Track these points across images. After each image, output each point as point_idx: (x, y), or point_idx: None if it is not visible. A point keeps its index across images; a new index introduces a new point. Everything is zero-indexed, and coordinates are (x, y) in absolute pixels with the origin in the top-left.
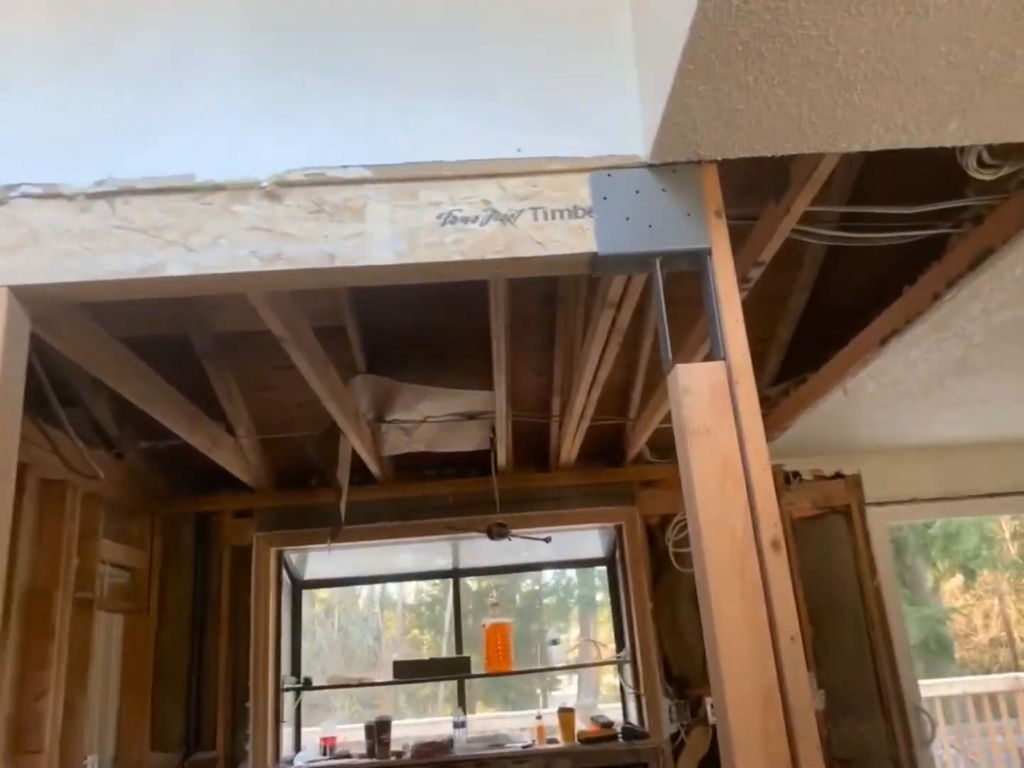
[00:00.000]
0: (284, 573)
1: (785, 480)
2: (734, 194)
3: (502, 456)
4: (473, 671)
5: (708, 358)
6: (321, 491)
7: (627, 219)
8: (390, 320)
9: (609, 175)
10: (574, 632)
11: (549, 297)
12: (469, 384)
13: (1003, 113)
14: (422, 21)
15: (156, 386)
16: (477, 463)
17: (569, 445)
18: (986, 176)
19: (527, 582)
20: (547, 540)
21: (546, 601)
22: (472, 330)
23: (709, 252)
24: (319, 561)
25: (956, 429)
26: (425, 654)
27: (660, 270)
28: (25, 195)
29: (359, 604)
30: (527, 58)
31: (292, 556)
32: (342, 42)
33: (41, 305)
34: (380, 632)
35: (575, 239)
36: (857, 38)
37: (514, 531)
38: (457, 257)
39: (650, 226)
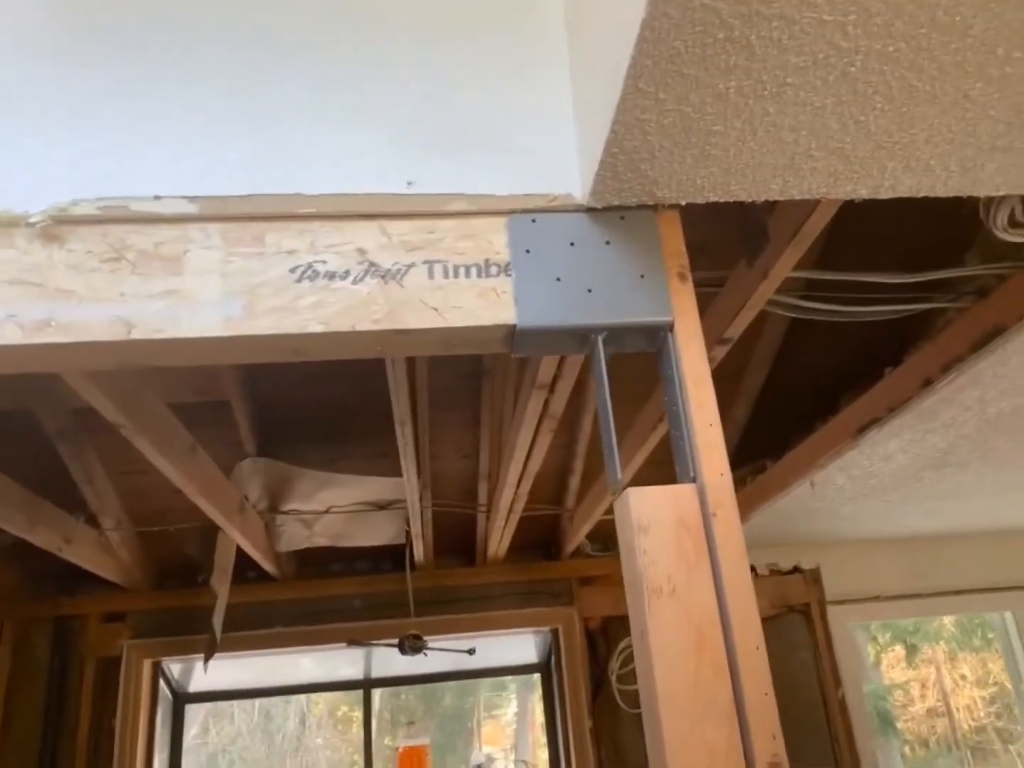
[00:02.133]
0: (163, 686)
1: None
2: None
3: (420, 551)
4: None
5: (668, 479)
6: (207, 591)
7: (558, 280)
8: (285, 394)
9: (534, 221)
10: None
11: (475, 370)
12: (380, 468)
13: None
14: (281, 11)
15: None
16: (394, 556)
17: (497, 538)
18: (1016, 238)
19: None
20: (470, 652)
21: (479, 696)
22: (383, 406)
23: (671, 327)
24: (215, 670)
25: (925, 521)
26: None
27: (603, 350)
28: None
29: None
30: (423, 64)
31: (175, 666)
32: (166, 32)
33: None
34: (305, 714)
35: (486, 306)
36: (888, 28)
37: (433, 641)
38: (316, 327)
39: (590, 290)
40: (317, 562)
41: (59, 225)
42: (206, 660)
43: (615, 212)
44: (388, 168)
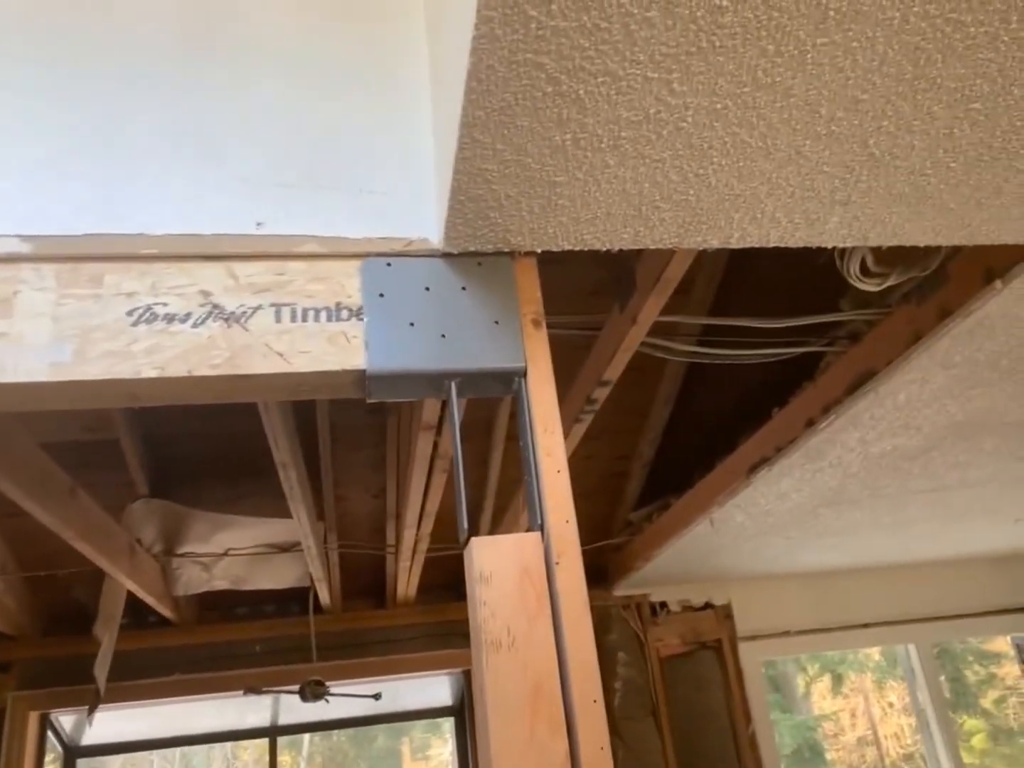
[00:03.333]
0: (53, 740)
1: (651, 612)
2: (580, 297)
3: (325, 594)
4: None
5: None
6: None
7: (411, 325)
8: (179, 430)
9: (388, 264)
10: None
11: (383, 406)
12: (285, 508)
13: (896, 208)
14: (129, 40)
15: None
16: (302, 598)
17: (405, 579)
18: (869, 286)
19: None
20: (376, 697)
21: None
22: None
23: (524, 373)
24: (104, 721)
25: (828, 556)
26: None
27: (456, 396)
28: None
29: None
30: (279, 104)
31: (68, 718)
32: (4, 60)
33: None
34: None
35: (335, 351)
36: (712, 86)
37: (337, 686)
38: (151, 372)
39: (443, 336)
40: (221, 606)
41: None
42: (90, 712)
43: (472, 258)
44: (238, 209)
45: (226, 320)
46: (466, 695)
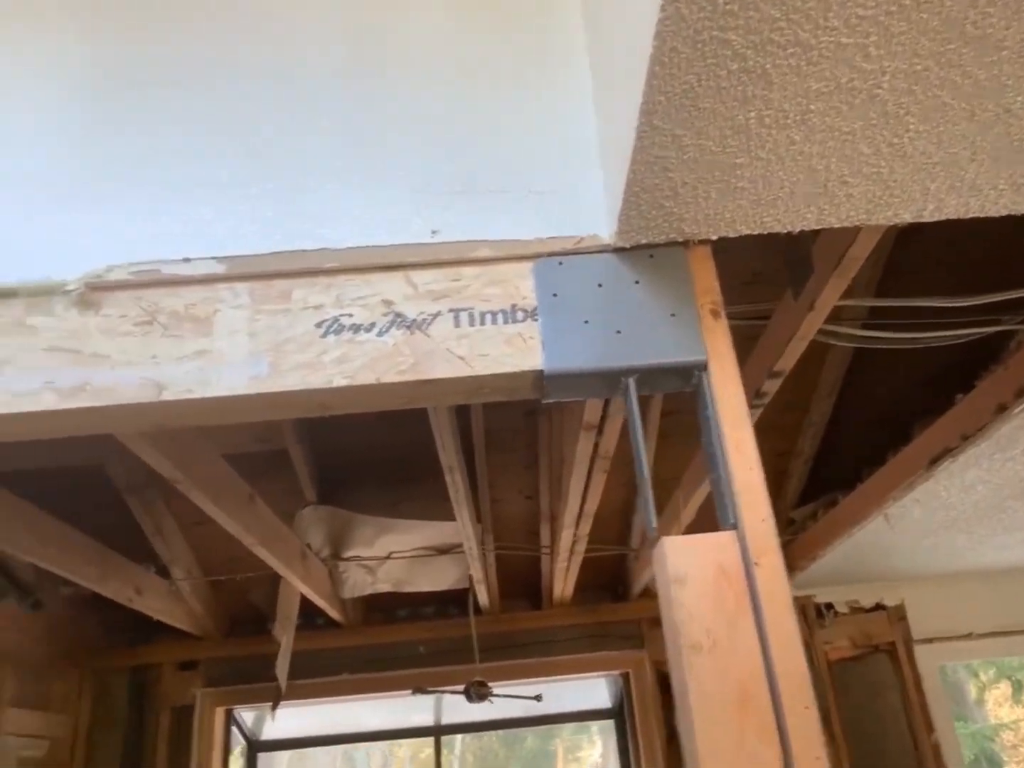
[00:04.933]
0: (237, 733)
1: (817, 614)
2: (735, 287)
3: (484, 596)
4: None
5: (709, 525)
6: (274, 639)
7: (586, 323)
8: (342, 439)
9: (560, 263)
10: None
11: (534, 408)
12: (443, 511)
13: None
14: (299, 66)
15: (55, 535)
16: (460, 601)
17: (562, 580)
18: None
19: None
20: (537, 699)
21: (561, 739)
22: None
23: (705, 366)
24: (281, 717)
25: (1014, 553)
26: None
27: (634, 393)
28: None
29: (359, 721)
30: (444, 112)
31: (249, 714)
32: (186, 98)
33: None
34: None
35: (513, 353)
36: (913, 47)
37: (499, 687)
38: (342, 381)
39: (619, 332)
40: (384, 608)
41: (94, 291)
42: (273, 708)
43: (644, 251)
44: (412, 218)
45: (408, 328)
46: (625, 698)
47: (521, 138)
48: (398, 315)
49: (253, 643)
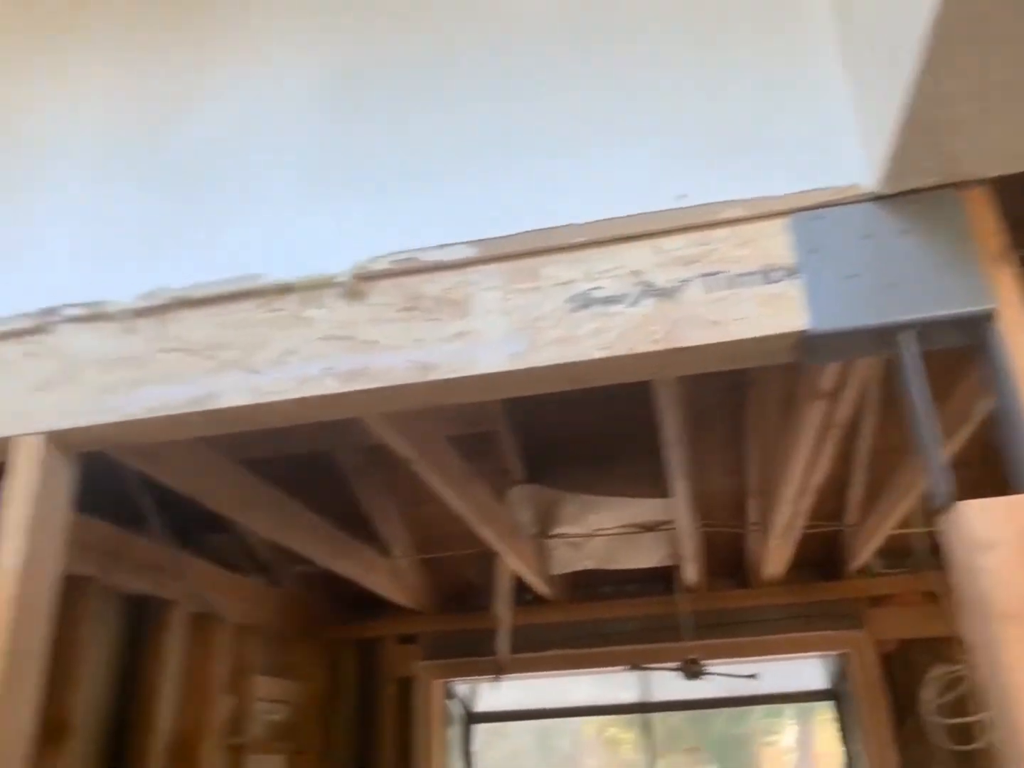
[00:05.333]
0: (454, 706)
1: None
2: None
3: (691, 573)
4: None
5: (998, 487)
6: (486, 614)
7: (852, 278)
8: (547, 420)
9: (818, 217)
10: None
11: (735, 383)
12: (640, 488)
13: None
14: (530, 44)
15: (289, 513)
16: (664, 577)
17: (773, 558)
18: None
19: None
20: (752, 677)
21: (754, 722)
22: (643, 426)
23: (991, 316)
24: (492, 691)
25: None
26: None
27: (914, 348)
28: (67, 319)
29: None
30: (684, 72)
31: (462, 686)
32: (430, 89)
33: (87, 451)
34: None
35: (771, 314)
36: None
37: (711, 665)
38: (598, 354)
39: (890, 285)
40: (588, 585)
41: (361, 282)
42: (496, 680)
43: (911, 196)
44: (656, 184)
45: (658, 296)
46: (846, 680)
47: (763, 93)
48: (647, 284)
49: (466, 618)
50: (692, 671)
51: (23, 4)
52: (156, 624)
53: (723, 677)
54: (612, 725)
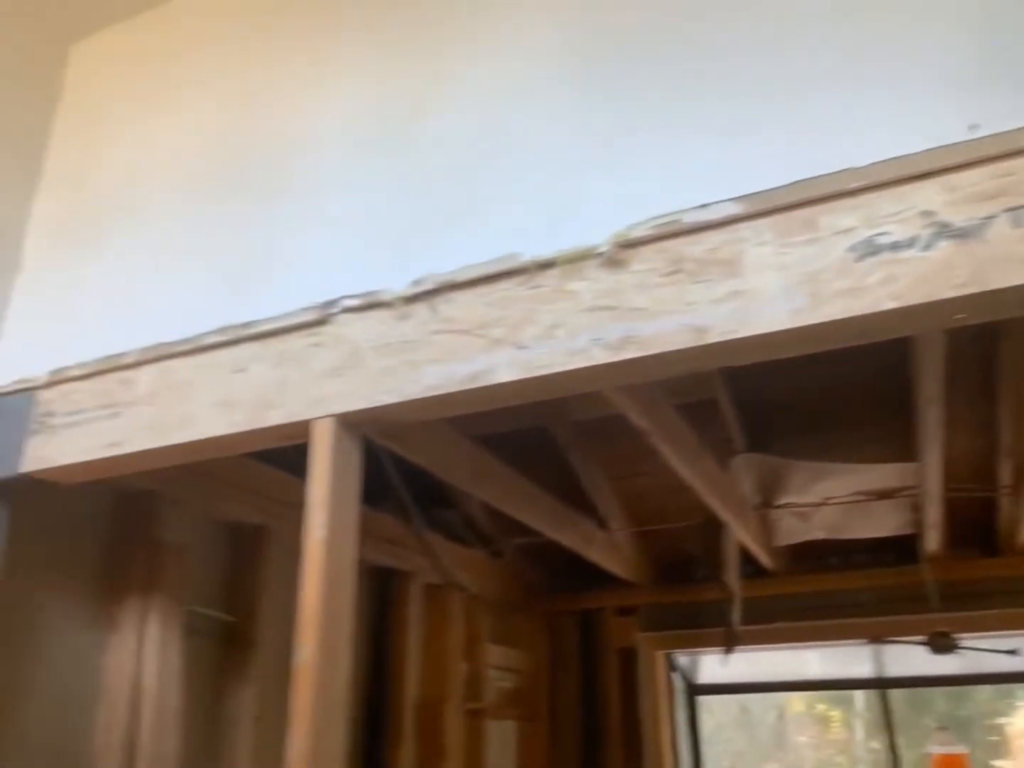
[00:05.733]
0: (675, 678)
1: None
2: None
3: (933, 540)
4: None
5: None
6: (707, 586)
7: None
8: (766, 385)
9: None
10: None
11: (981, 333)
12: (866, 454)
13: None
14: None
15: (518, 487)
16: (895, 547)
17: None
18: None
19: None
20: (1012, 653)
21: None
22: (874, 386)
23: None
24: (713, 663)
25: None
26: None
27: None
28: (346, 309)
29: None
30: None
31: (682, 658)
32: (672, 49)
33: (379, 429)
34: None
35: None
36: None
37: (962, 639)
38: (890, 304)
39: None
40: (813, 555)
41: (621, 250)
42: (727, 652)
43: None
44: (942, 116)
45: (957, 237)
46: None
47: None
48: (942, 225)
49: (682, 591)
50: (943, 645)
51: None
52: (398, 595)
53: (973, 652)
54: (821, 702)
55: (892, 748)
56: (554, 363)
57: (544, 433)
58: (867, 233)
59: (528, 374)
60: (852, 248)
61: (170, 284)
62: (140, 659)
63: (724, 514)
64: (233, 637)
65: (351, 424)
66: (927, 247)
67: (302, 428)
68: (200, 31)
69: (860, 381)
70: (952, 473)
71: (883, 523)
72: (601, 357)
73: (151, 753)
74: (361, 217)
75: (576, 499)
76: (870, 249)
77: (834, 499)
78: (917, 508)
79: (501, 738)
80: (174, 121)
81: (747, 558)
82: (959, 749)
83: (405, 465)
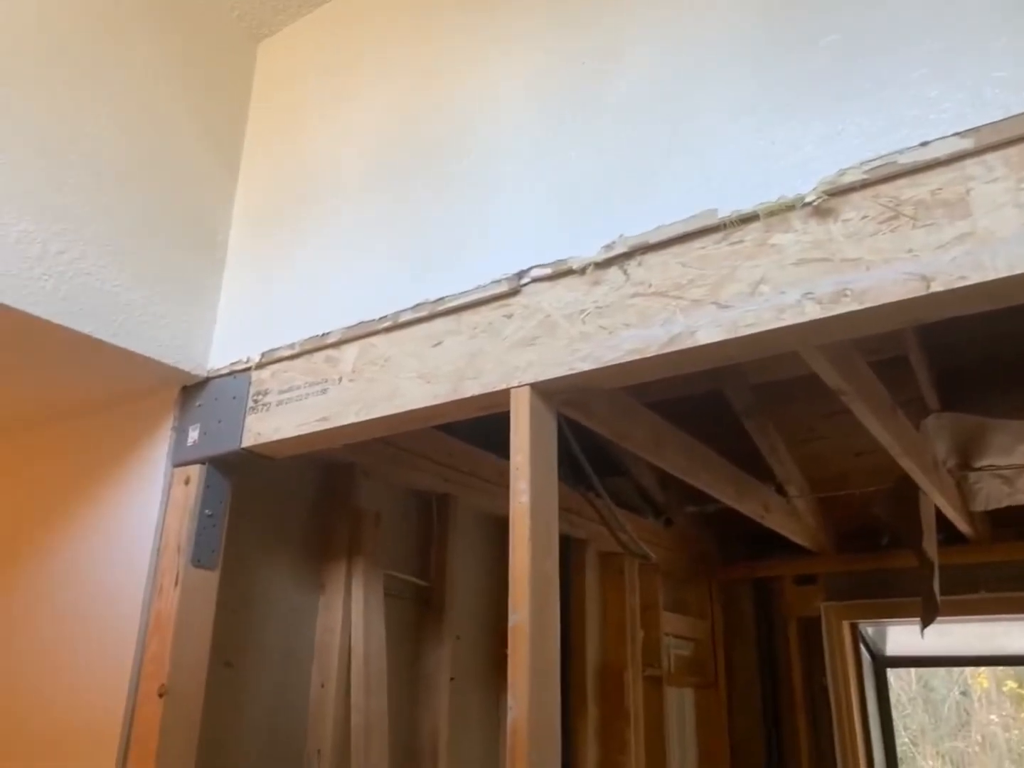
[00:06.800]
0: (862, 649)
1: None
2: None
3: None
4: None
5: None
6: (893, 553)
7: None
8: (959, 340)
9: None
10: None
11: None
12: None
13: None
14: None
15: (696, 454)
16: None
17: None
18: None
19: None
20: None
21: None
22: None
23: None
24: (900, 634)
25: None
26: None
27: None
28: (536, 279)
29: None
30: None
31: (868, 629)
32: None
33: (564, 398)
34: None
35: None
36: None
37: None
38: None
39: None
40: (1016, 522)
41: (830, 198)
42: (925, 624)
43: None
44: None
45: None
46: None
47: None
48: None
49: (866, 559)
50: None
51: None
52: (576, 562)
53: None
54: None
55: None
56: (761, 321)
57: (719, 398)
58: None
59: (732, 334)
60: None
61: (366, 265)
62: (347, 618)
63: (920, 477)
64: (427, 600)
65: (547, 392)
66: None
67: (501, 398)
68: (376, 17)
69: None
70: None
71: None
72: (813, 312)
73: (362, 707)
74: (546, 185)
75: (752, 466)
76: None
77: None
78: None
79: (679, 705)
80: (357, 107)
81: (942, 524)
82: None
83: (579, 434)
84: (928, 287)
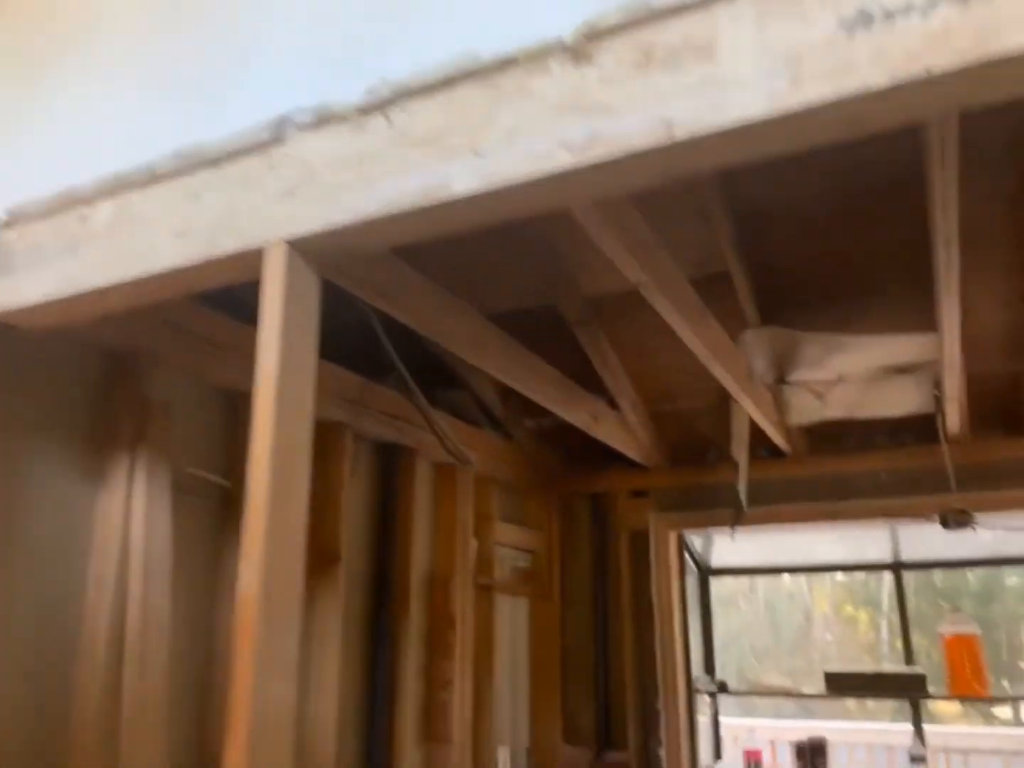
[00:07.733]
0: (688, 559)
1: None
2: None
3: (954, 419)
4: (930, 690)
5: None
6: (721, 467)
7: None
8: (781, 255)
9: None
10: None
11: (1016, 197)
12: (894, 326)
13: None
14: None
15: (518, 357)
16: (914, 428)
17: None
18: None
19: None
20: None
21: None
22: (894, 253)
23: None
24: (726, 546)
25: None
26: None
27: None
28: (299, 127)
29: (783, 578)
30: None
31: (696, 541)
32: None
33: (331, 258)
34: (809, 610)
35: None
36: None
37: (980, 517)
38: (879, 80)
39: None
40: (830, 437)
41: (587, 42)
42: (733, 527)
43: None
44: None
45: (960, 1)
46: None
47: None
48: None
49: (695, 473)
50: (956, 520)
51: None
52: (403, 470)
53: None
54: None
55: (905, 633)
56: (514, 170)
57: (555, 313)
58: (859, 5)
59: (487, 183)
60: (841, 21)
61: (124, 111)
62: (128, 513)
63: (731, 384)
64: (230, 501)
65: (307, 251)
66: (925, 14)
67: (257, 257)
68: None
69: (888, 242)
70: (979, 349)
71: (903, 401)
72: (564, 160)
73: (140, 603)
74: (313, 22)
75: (587, 380)
76: (862, 21)
77: (850, 375)
78: (939, 384)
79: (514, 614)
80: None
81: (764, 441)
82: (970, 630)
83: (413, 342)
84: (671, 132)
